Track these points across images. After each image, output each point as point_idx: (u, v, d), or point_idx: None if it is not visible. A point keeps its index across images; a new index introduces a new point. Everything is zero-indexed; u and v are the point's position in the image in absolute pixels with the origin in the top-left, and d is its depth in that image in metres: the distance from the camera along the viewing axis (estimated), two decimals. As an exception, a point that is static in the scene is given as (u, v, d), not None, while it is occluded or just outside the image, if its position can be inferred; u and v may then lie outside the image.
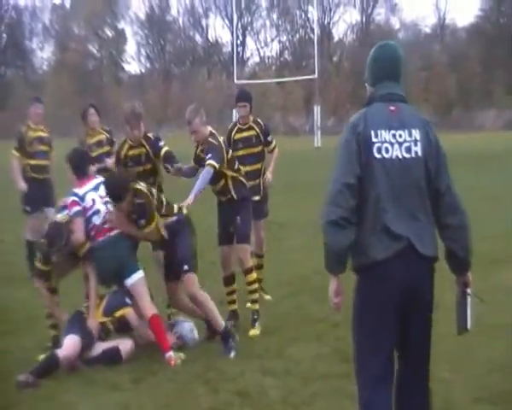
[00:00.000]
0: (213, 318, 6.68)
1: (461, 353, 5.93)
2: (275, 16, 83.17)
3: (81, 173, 6.98)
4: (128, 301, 6.57)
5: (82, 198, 6.70)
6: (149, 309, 6.42)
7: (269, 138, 8.42)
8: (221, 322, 6.67)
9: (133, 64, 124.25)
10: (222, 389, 5.64)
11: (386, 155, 3.71)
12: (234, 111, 37.41)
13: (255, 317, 7.22)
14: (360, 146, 3.71)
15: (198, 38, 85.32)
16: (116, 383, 5.86)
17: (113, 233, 6.57)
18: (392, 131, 3.74)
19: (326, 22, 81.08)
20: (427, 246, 3.73)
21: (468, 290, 3.92)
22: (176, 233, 6.72)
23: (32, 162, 10.14)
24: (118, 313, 6.53)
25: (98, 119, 9.66)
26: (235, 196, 7.21)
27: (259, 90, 58.07)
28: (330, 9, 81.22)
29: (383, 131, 3.73)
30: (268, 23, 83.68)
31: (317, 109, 46.68)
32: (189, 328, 6.90)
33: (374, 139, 3.72)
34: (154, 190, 6.81)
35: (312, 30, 64.12)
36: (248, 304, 7.55)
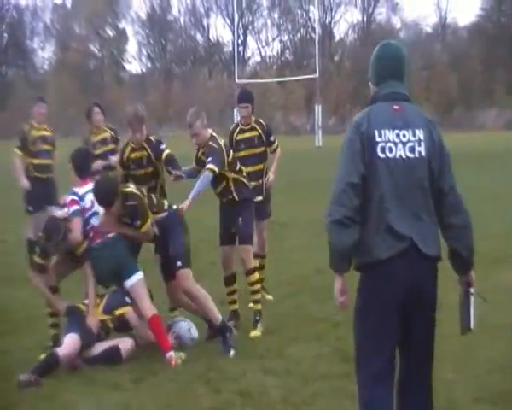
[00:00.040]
0: (209, 312, 6.69)
1: (462, 353, 5.94)
2: (276, 16, 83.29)
3: (83, 174, 7.00)
4: (128, 300, 6.58)
5: (81, 198, 6.71)
6: (149, 310, 6.42)
7: (271, 138, 8.41)
8: (218, 316, 6.67)
9: (134, 64, 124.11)
10: (223, 388, 5.64)
11: (390, 155, 3.71)
12: (235, 110, 37.58)
13: (257, 318, 7.21)
14: (364, 145, 3.71)
15: (199, 37, 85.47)
16: (117, 382, 5.86)
17: (111, 235, 6.58)
18: (396, 131, 3.74)
19: (327, 22, 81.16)
20: (430, 246, 3.73)
21: (471, 290, 3.92)
22: (167, 229, 6.74)
23: (35, 161, 10.13)
24: (118, 312, 6.54)
25: (103, 117, 9.69)
26: (236, 198, 7.21)
27: (260, 89, 58.10)
28: (331, 9, 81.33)
29: (387, 131, 3.73)
30: (269, 22, 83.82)
31: (318, 109, 46.71)
32: (186, 327, 6.89)
33: (377, 139, 3.72)
34: (145, 190, 6.84)
35: (313, 29, 64.06)
36: (251, 304, 7.55)
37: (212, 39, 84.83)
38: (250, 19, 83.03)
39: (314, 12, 66.92)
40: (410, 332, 3.82)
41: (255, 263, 7.48)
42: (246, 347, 6.69)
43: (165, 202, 6.92)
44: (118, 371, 6.14)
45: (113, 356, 6.34)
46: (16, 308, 8.23)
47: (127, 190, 6.59)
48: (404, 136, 3.74)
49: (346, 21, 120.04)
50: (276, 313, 7.75)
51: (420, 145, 3.74)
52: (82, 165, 7.10)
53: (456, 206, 3.79)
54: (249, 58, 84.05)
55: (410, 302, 3.73)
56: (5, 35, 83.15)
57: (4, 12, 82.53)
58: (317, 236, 12.08)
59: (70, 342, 6.22)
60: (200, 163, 7.23)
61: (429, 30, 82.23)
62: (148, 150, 7.13)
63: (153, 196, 6.87)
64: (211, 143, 7.03)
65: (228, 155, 7.09)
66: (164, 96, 74.01)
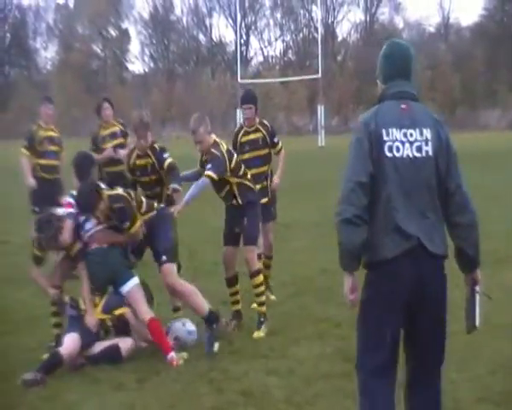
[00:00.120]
0: (196, 305, 6.71)
1: (465, 352, 5.93)
2: (278, 15, 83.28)
3: (84, 177, 7.04)
4: None
5: None
6: (146, 314, 6.46)
7: (275, 140, 8.39)
8: (204, 308, 6.69)
9: (137, 64, 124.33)
10: (226, 388, 5.65)
11: (397, 154, 3.73)
12: (238, 111, 37.58)
13: (261, 319, 7.20)
14: (372, 144, 3.72)
15: (202, 37, 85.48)
16: (120, 382, 5.87)
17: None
18: (404, 130, 3.75)
19: (330, 21, 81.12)
20: (437, 244, 3.74)
21: (477, 288, 3.94)
22: (155, 226, 6.76)
23: (42, 162, 10.12)
24: (117, 312, 6.56)
25: (112, 112, 9.76)
26: (240, 202, 7.21)
27: (263, 89, 58.07)
28: (334, 9, 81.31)
29: (394, 130, 3.75)
30: (272, 22, 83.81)
31: (320, 109, 46.66)
32: (180, 325, 6.88)
33: (385, 138, 3.73)
34: (132, 192, 6.89)
35: (316, 29, 63.93)
36: (254, 305, 7.55)
37: (214, 39, 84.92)
38: (253, 19, 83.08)
39: (317, 12, 66.96)
40: (416, 332, 3.83)
41: (259, 265, 7.48)
42: (248, 347, 6.70)
43: (155, 204, 6.96)
44: (121, 370, 6.15)
45: (112, 355, 6.36)
46: (17, 309, 8.25)
47: (113, 192, 6.63)
48: (411, 135, 3.75)
49: (348, 21, 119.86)
50: (280, 313, 7.75)
51: (427, 145, 3.76)
52: (82, 168, 7.18)
53: (463, 205, 3.80)
54: (252, 58, 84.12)
55: (415, 302, 3.74)
56: (8, 35, 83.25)
57: (7, 12, 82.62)
58: (320, 237, 12.09)
59: (70, 342, 6.24)
60: (205, 166, 7.24)
61: (432, 30, 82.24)
62: (153, 158, 7.17)
63: (143, 198, 6.93)
64: (213, 150, 7.03)
65: (230, 162, 7.09)
66: (167, 96, 74.02)
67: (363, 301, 3.84)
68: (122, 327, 6.60)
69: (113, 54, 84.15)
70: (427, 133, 3.77)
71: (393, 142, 3.73)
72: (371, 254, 3.74)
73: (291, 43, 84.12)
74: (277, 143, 8.41)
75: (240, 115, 37.89)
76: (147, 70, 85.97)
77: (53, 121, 10.40)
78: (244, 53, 78.13)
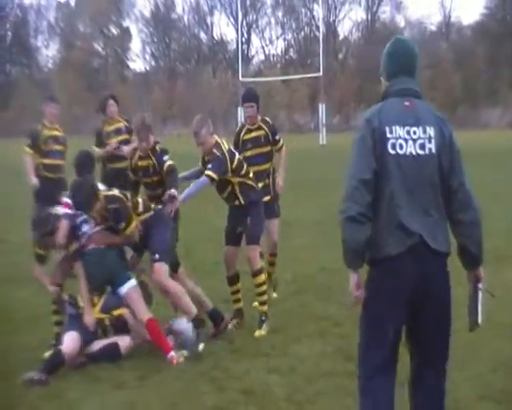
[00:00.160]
0: (184, 306, 6.70)
1: (466, 350, 5.93)
2: (280, 14, 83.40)
3: (84, 176, 7.05)
4: None
5: None
6: (144, 314, 6.46)
7: (276, 137, 8.39)
8: (192, 310, 6.68)
9: (138, 62, 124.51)
10: (227, 387, 5.65)
11: (401, 152, 3.73)
12: (239, 109, 37.57)
13: (263, 318, 7.19)
14: (375, 141, 3.73)
15: (203, 35, 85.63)
16: (121, 381, 5.86)
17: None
18: (407, 128, 3.76)
19: (331, 20, 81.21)
20: (440, 242, 3.75)
21: (480, 285, 3.95)
22: (151, 226, 6.75)
23: (46, 161, 10.06)
24: (116, 312, 6.56)
25: (117, 109, 9.71)
26: (242, 202, 7.20)
27: (264, 88, 58.14)
28: (335, 7, 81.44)
29: (397, 128, 3.75)
30: (273, 21, 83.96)
31: (322, 107, 46.66)
32: (185, 321, 6.85)
33: (388, 135, 3.74)
34: (129, 193, 6.87)
35: (318, 28, 64.10)
36: (255, 303, 7.56)
37: (215, 38, 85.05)
38: (254, 17, 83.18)
39: (318, 10, 67.02)
40: (418, 329, 3.84)
41: (262, 264, 7.48)
42: (250, 345, 6.69)
43: (152, 204, 6.95)
44: (122, 369, 6.15)
45: (111, 352, 6.36)
46: (18, 307, 8.23)
47: (109, 193, 6.63)
48: (414, 133, 3.76)
49: (350, 20, 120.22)
50: (281, 311, 7.75)
51: (430, 142, 3.76)
52: (83, 167, 7.19)
53: (466, 202, 3.81)
54: (253, 56, 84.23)
55: (417, 299, 3.74)
56: (9, 33, 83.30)
57: (8, 10, 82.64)
58: (321, 235, 12.10)
59: (70, 341, 6.24)
60: (206, 165, 7.24)
61: (433, 28, 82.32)
62: (154, 160, 7.20)
63: (139, 199, 6.93)
64: (214, 150, 7.04)
65: (232, 162, 7.08)
66: (168, 94, 74.11)
67: (365, 298, 3.85)
68: (120, 327, 6.60)
69: (115, 52, 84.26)
70: (431, 131, 3.78)
71: (397, 139, 3.74)
72: (375, 251, 3.75)
73: (292, 41, 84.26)
74: (279, 140, 8.41)
75: (241, 114, 38.04)
76: (148, 68, 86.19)
77: (57, 120, 10.37)
78: (245, 51, 78.21)
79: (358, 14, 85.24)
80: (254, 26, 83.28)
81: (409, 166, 3.72)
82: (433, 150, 3.76)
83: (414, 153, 3.74)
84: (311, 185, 20.85)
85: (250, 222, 7.18)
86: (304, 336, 6.82)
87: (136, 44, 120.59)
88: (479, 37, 74.44)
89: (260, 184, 7.75)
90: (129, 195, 6.81)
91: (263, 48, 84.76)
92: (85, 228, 6.63)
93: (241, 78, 48.79)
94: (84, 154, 7.54)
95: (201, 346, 6.54)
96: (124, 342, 6.46)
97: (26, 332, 7.26)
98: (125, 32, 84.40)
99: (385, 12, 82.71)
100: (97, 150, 9.24)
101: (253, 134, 8.23)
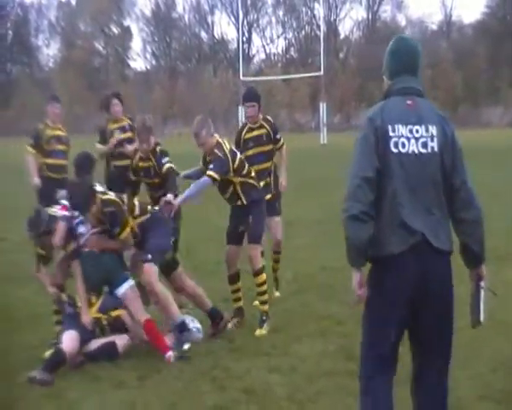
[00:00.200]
0: (169, 310, 6.65)
1: (467, 350, 5.92)
2: (281, 13, 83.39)
3: (83, 177, 7.05)
4: None
5: None
6: (141, 315, 6.46)
7: (277, 136, 8.40)
8: (177, 315, 6.63)
9: (139, 61, 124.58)
10: (228, 386, 5.64)
11: (403, 150, 3.73)
12: (240, 108, 37.58)
13: (264, 318, 7.18)
14: (378, 139, 3.72)
15: (204, 34, 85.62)
16: (121, 380, 5.86)
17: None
18: (409, 126, 3.75)
19: (332, 19, 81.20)
20: (442, 240, 3.74)
21: (482, 284, 3.94)
22: (148, 229, 6.72)
23: (49, 161, 10.03)
24: (114, 313, 6.55)
25: (121, 108, 9.63)
26: (244, 202, 7.19)
27: (265, 87, 58.13)
28: (336, 6, 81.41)
29: (400, 126, 3.75)
30: (274, 20, 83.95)
31: (322, 106, 46.66)
32: (190, 319, 6.87)
33: (391, 134, 3.73)
34: (125, 196, 6.84)
35: (318, 27, 64.16)
36: (256, 302, 7.55)
37: (216, 37, 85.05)
38: (255, 16, 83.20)
39: (319, 9, 67.14)
40: (420, 328, 3.83)
41: (263, 263, 7.47)
42: (250, 344, 6.68)
43: (149, 207, 6.92)
44: (122, 368, 6.14)
45: (109, 351, 6.36)
46: (19, 306, 8.24)
47: (105, 197, 6.60)
48: (416, 131, 3.75)
49: (351, 19, 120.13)
50: (282, 310, 7.74)
51: (432, 141, 3.76)
52: (82, 168, 7.20)
53: (468, 201, 3.80)
54: (254, 56, 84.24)
55: (418, 298, 3.73)
56: (10, 32, 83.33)
57: (9, 9, 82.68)
58: (322, 234, 12.10)
59: (69, 340, 6.23)
60: (208, 165, 7.22)
61: (434, 27, 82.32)
62: (153, 161, 7.19)
63: (135, 202, 6.86)
64: (216, 151, 7.02)
65: (234, 162, 7.07)
66: (169, 93, 74.12)
67: (367, 297, 3.84)
68: (118, 327, 6.59)
69: (115, 51, 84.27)
70: (433, 129, 3.77)
71: (399, 138, 3.73)
72: (377, 250, 3.74)
73: (293, 40, 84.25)
74: (279, 139, 8.42)
75: (242, 113, 38.05)
76: (149, 67, 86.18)
77: (60, 120, 10.35)
78: (246, 50, 78.23)
79: (359, 13, 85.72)
80: (255, 25, 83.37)
81: (411, 164, 3.72)
82: (436, 149, 3.75)
83: (416, 151, 3.73)
84: (312, 185, 20.85)
85: (252, 221, 7.17)
86: (305, 336, 6.82)
87: (136, 43, 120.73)
88: (480, 36, 74.42)
89: (261, 183, 7.75)
90: (125, 198, 6.75)
91: (264, 47, 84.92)
92: (82, 229, 6.62)
93: (241, 77, 48.78)
94: (83, 155, 7.54)
95: (187, 346, 6.50)
96: (121, 340, 6.46)
97: (27, 331, 7.25)
98: (126, 31, 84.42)
99: (386, 11, 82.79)
100: (101, 147, 9.19)
101: (255, 133, 8.23)
